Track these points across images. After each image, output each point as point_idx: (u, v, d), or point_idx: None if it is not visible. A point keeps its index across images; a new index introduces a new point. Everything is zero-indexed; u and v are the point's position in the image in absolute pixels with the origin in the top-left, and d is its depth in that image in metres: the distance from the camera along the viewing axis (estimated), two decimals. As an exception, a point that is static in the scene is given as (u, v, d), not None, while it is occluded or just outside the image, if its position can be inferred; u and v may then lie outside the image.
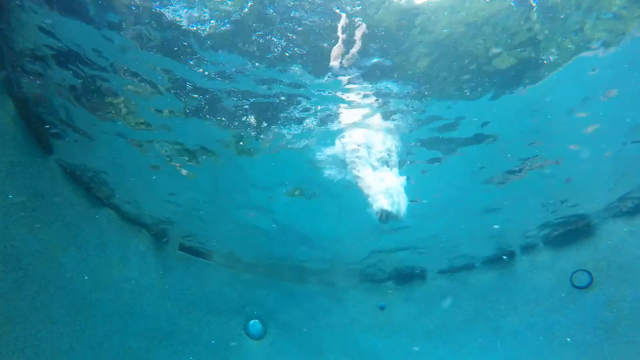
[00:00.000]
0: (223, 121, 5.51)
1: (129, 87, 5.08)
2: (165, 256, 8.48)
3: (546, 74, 4.86)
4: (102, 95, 5.26)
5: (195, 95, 5.14)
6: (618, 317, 7.33)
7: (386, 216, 4.28)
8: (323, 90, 5.04)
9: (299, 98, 5.20)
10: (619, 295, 7.36)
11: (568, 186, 6.86)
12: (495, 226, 7.84)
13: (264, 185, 6.80)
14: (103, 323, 7.09)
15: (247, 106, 5.33)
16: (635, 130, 5.76)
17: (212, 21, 4.25)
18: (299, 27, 4.28)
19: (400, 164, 5.69)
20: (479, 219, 7.68)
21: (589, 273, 7.56)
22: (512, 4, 4.11)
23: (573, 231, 7.81)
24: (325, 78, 4.82)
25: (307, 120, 5.52)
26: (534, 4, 4.13)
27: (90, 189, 7.01)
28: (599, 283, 7.58)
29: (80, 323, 6.72)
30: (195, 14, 4.20)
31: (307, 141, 5.86)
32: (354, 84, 4.96)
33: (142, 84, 5.02)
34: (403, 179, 4.86)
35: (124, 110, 5.47)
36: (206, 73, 4.85)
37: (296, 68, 4.66)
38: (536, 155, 6.21)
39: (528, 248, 8.43)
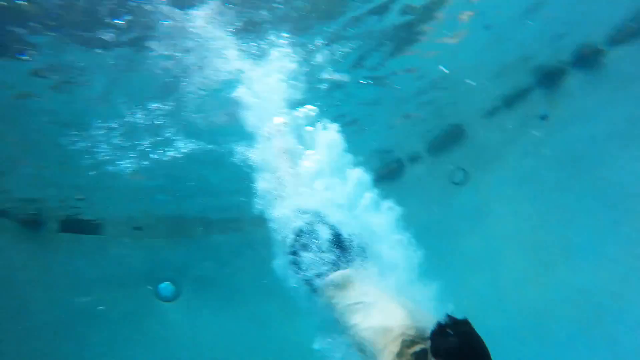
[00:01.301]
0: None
1: None
2: (45, 242, 7.25)
3: None
4: None
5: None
6: (486, 201, 8.45)
7: None
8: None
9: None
10: (487, 182, 8.45)
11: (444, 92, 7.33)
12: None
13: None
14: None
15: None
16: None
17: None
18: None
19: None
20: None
21: (465, 170, 8.51)
22: None
23: (449, 135, 8.55)
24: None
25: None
26: None
27: None
28: (471, 177, 8.59)
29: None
30: None
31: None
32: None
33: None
34: None
35: None
36: None
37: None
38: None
39: (414, 157, 9.09)
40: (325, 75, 5.69)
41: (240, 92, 4.27)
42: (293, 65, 4.83)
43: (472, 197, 8.48)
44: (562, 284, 6.35)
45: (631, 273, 5.73)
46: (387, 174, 9.16)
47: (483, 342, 1.93)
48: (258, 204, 3.70)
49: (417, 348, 2.06)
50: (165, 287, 8.64)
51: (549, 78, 7.36)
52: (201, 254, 9.12)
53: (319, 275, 2.76)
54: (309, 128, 3.84)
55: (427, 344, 2.04)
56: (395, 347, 2.09)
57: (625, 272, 5.80)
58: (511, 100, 7.76)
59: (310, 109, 3.82)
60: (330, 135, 3.75)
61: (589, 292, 6.02)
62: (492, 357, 1.89)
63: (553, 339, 5.94)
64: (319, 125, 3.84)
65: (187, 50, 4.57)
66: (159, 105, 5.41)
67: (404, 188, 9.09)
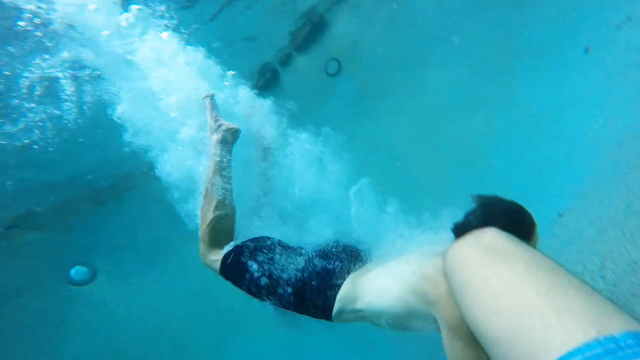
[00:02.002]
0: None
1: None
2: None
3: None
4: None
5: None
6: (364, 83, 8.82)
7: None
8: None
9: None
10: (360, 64, 8.73)
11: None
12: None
13: None
14: None
15: None
16: None
17: None
18: None
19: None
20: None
21: (337, 60, 8.61)
22: None
23: (313, 30, 8.41)
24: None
25: None
26: None
27: None
28: (344, 66, 8.77)
29: None
30: None
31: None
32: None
33: None
34: None
35: None
36: None
37: None
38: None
39: (284, 61, 8.88)
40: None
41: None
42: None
43: (353, 83, 8.78)
44: (477, 127, 6.96)
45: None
46: (265, 85, 8.94)
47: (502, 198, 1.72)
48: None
49: None
50: (76, 271, 7.99)
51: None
52: (103, 225, 8.44)
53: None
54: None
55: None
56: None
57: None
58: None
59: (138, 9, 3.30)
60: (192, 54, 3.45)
61: (500, 124, 6.75)
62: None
63: (480, 163, 6.67)
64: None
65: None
66: None
67: (285, 93, 9.01)
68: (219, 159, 2.87)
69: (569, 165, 3.88)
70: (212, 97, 3.19)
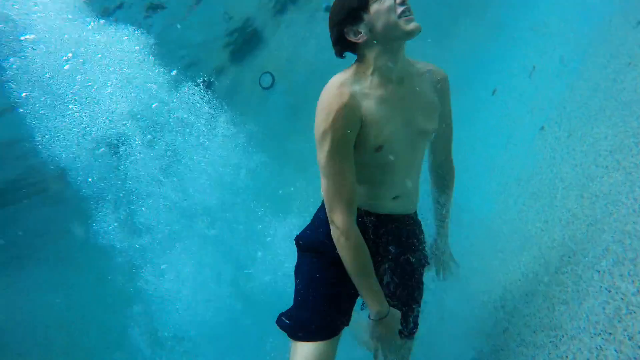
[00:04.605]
0: None
1: None
2: None
3: None
4: None
5: None
6: (297, 100, 9.01)
7: None
8: None
9: None
10: (294, 85, 8.90)
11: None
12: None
13: None
14: None
15: None
16: None
17: None
18: None
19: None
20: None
21: (271, 74, 8.70)
22: None
23: (247, 42, 8.44)
24: None
25: None
26: None
27: None
28: (279, 80, 8.89)
29: None
30: None
31: None
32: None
33: None
34: None
35: None
36: None
37: None
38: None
39: (219, 71, 8.78)
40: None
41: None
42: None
43: (287, 98, 8.91)
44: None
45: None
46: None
47: None
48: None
49: None
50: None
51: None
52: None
53: None
54: None
55: None
56: None
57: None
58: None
59: None
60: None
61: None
62: None
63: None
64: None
65: None
66: None
67: (218, 103, 8.86)
68: None
69: (480, 200, 4.39)
70: None
